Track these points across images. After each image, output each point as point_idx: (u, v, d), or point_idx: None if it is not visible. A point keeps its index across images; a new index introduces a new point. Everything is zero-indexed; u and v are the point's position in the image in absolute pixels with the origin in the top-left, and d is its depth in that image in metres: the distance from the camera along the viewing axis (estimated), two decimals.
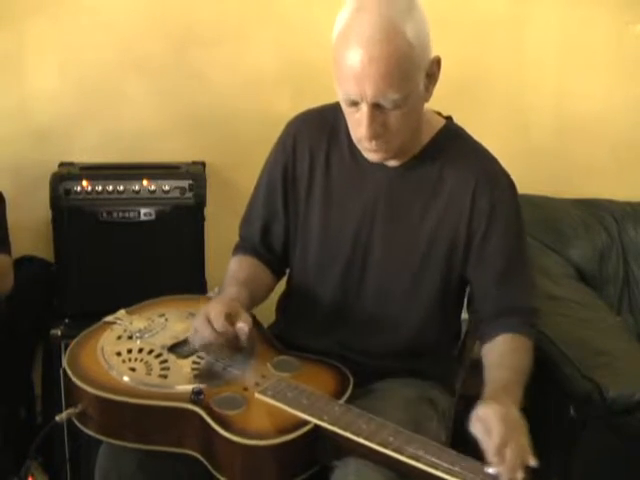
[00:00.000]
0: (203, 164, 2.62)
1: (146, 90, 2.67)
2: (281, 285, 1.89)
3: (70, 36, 2.59)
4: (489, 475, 1.29)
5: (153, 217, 2.41)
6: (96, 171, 2.46)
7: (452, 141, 1.68)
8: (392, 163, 1.66)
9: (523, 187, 2.86)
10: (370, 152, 1.60)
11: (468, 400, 1.95)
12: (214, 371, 1.55)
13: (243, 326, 1.50)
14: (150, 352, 1.62)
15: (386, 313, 1.71)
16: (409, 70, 1.47)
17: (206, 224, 2.46)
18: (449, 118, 1.73)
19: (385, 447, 1.34)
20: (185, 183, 2.42)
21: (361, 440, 1.36)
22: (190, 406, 1.45)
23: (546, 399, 2.43)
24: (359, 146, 1.61)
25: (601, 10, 2.88)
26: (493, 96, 2.88)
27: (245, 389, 1.51)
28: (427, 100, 1.59)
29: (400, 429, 1.38)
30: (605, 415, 2.16)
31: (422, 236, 1.66)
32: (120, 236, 2.40)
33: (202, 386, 1.49)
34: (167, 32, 2.64)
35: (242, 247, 1.85)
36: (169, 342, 1.65)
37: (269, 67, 2.68)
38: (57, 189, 2.36)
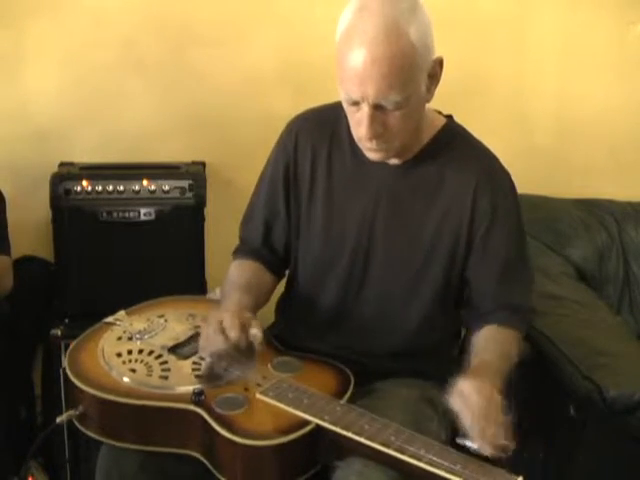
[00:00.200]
0: (203, 164, 2.62)
1: (146, 90, 2.67)
2: (280, 286, 1.89)
3: (70, 36, 2.59)
4: (468, 448, 1.33)
5: (153, 217, 2.40)
6: (96, 171, 2.46)
7: (453, 140, 1.68)
8: (393, 162, 1.65)
9: (523, 187, 2.86)
10: (371, 151, 1.60)
11: None
12: (215, 372, 1.54)
13: (257, 332, 1.50)
14: (150, 353, 1.61)
15: (387, 313, 1.71)
16: (411, 71, 1.46)
17: (206, 224, 2.46)
18: (450, 117, 1.73)
19: (387, 447, 1.34)
20: (185, 183, 2.42)
21: (363, 440, 1.36)
22: (191, 407, 1.45)
23: (546, 399, 2.44)
24: (360, 145, 1.61)
25: (602, 11, 2.88)
26: (494, 97, 2.88)
27: (246, 390, 1.51)
28: (429, 100, 1.59)
29: (402, 429, 1.38)
30: (605, 415, 2.16)
31: (424, 235, 1.66)
32: (120, 236, 2.40)
33: (203, 387, 1.49)
34: (167, 32, 2.64)
35: (242, 250, 1.84)
36: (169, 343, 1.65)
37: (269, 67, 2.68)
38: (57, 189, 2.36)
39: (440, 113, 1.73)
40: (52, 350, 2.34)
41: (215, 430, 1.40)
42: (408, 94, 1.48)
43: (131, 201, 2.40)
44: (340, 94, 1.53)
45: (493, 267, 1.66)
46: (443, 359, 1.78)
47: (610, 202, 2.93)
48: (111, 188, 2.39)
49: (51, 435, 1.62)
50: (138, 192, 2.40)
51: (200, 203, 2.42)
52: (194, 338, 1.66)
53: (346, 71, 1.47)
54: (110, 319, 1.75)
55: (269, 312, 1.89)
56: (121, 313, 1.77)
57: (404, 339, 1.71)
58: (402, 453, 1.32)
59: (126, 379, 1.52)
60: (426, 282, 1.68)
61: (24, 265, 2.44)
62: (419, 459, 1.31)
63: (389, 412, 1.50)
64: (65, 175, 2.40)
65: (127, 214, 2.40)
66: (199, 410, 1.44)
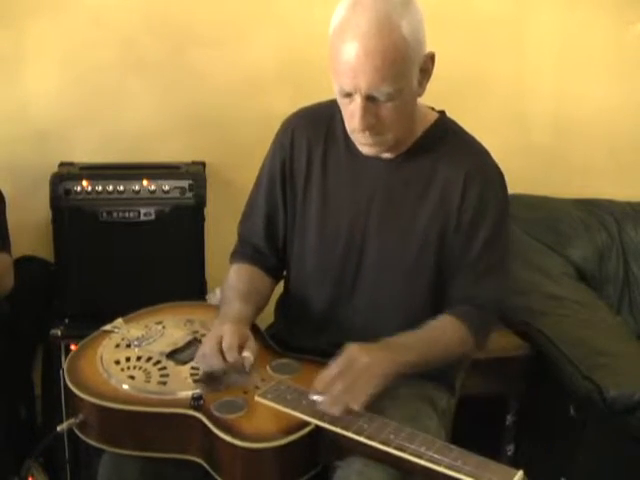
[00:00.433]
0: (203, 164, 2.62)
1: (146, 90, 2.67)
2: (280, 286, 1.89)
3: (70, 36, 2.59)
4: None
5: (153, 217, 2.40)
6: (96, 171, 2.46)
7: (445, 134, 1.70)
8: (386, 156, 1.67)
9: (523, 187, 2.90)
10: (364, 145, 1.62)
11: (469, 400, 1.96)
12: (213, 376, 1.55)
13: (249, 356, 1.52)
14: (148, 359, 1.61)
15: (382, 308, 1.71)
16: (403, 64, 1.49)
17: (206, 224, 2.46)
18: (442, 112, 1.75)
19: (387, 445, 1.34)
20: (185, 183, 2.41)
21: (362, 439, 1.36)
22: (190, 411, 1.45)
23: (546, 399, 2.44)
24: (353, 138, 1.63)
25: (600, 11, 2.89)
26: (493, 97, 2.88)
27: (245, 393, 1.51)
28: (420, 95, 1.61)
29: (401, 427, 1.38)
30: (605, 415, 2.16)
31: (417, 228, 1.67)
32: (120, 236, 2.39)
33: (201, 391, 1.49)
34: (167, 32, 2.64)
35: (241, 252, 1.85)
36: (167, 349, 1.65)
37: (269, 67, 2.68)
38: (57, 189, 2.35)
39: (433, 109, 1.74)
40: (52, 350, 2.34)
41: (214, 434, 1.40)
42: (400, 86, 1.50)
43: (131, 201, 2.39)
44: (334, 87, 1.56)
45: (468, 257, 1.67)
46: None
47: (610, 202, 2.94)
48: (111, 188, 2.38)
49: (52, 441, 1.62)
50: (138, 192, 2.40)
51: (200, 203, 2.42)
52: (192, 343, 1.66)
53: (339, 64, 1.49)
54: (108, 327, 1.75)
55: (269, 312, 1.89)
56: (119, 320, 1.77)
57: None
58: (402, 451, 1.32)
59: (125, 386, 1.52)
60: (420, 275, 1.69)
61: (24, 265, 2.44)
62: (419, 457, 1.31)
63: (388, 411, 1.50)
64: (65, 175, 2.40)
65: (127, 214, 2.39)
66: (198, 414, 1.44)
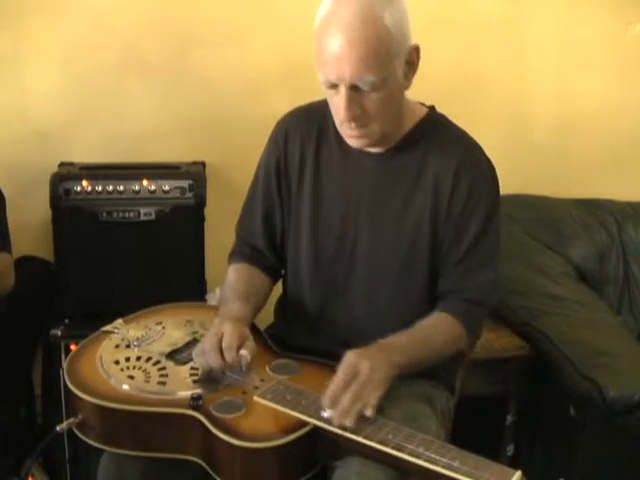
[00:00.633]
0: (203, 164, 2.62)
1: (146, 90, 2.67)
2: (280, 287, 1.89)
3: (70, 36, 2.59)
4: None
5: (153, 217, 2.40)
6: (96, 171, 2.46)
7: (435, 128, 1.70)
8: (376, 151, 1.68)
9: (523, 187, 2.90)
10: (351, 138, 1.63)
11: (469, 400, 1.96)
12: (213, 376, 1.55)
13: (246, 355, 1.53)
14: (148, 360, 1.61)
15: (378, 306, 1.71)
16: (387, 55, 1.51)
17: (206, 224, 2.46)
18: (432, 107, 1.75)
19: (385, 445, 1.34)
20: (185, 183, 2.42)
21: (360, 439, 1.36)
22: (189, 411, 1.45)
23: (546, 399, 2.44)
24: (341, 132, 1.64)
25: (600, 10, 2.89)
26: (493, 97, 2.88)
27: (244, 393, 1.51)
28: (407, 87, 1.62)
29: (399, 427, 1.38)
30: (605, 415, 2.16)
31: (408, 221, 1.68)
32: (120, 236, 2.39)
33: (201, 391, 1.49)
34: (167, 33, 2.64)
35: (239, 252, 1.85)
36: (167, 349, 1.65)
37: (269, 68, 2.69)
38: (57, 189, 2.35)
39: (423, 104, 1.75)
40: (52, 350, 2.34)
41: (213, 434, 1.40)
42: (384, 76, 1.52)
43: (131, 201, 2.39)
44: (320, 80, 1.57)
45: (459, 250, 1.67)
46: None
47: (610, 202, 2.94)
48: (111, 188, 2.38)
49: (52, 442, 1.62)
50: (138, 192, 2.40)
51: (200, 203, 2.42)
52: (192, 344, 1.66)
53: (324, 55, 1.52)
54: (108, 327, 1.75)
55: (269, 313, 1.90)
56: (119, 321, 1.77)
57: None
58: (400, 451, 1.32)
59: (125, 386, 1.52)
60: (414, 270, 1.69)
61: (24, 265, 2.44)
62: (417, 457, 1.31)
63: (388, 411, 1.50)
64: (65, 175, 2.40)
65: (127, 214, 2.40)
66: (197, 414, 1.44)
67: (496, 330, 2.48)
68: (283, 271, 1.86)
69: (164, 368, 1.59)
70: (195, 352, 1.59)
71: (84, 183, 2.37)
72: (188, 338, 1.69)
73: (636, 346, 2.44)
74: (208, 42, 2.66)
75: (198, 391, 1.49)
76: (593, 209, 2.90)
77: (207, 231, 2.46)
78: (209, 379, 1.54)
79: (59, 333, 2.32)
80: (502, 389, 2.48)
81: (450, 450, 1.32)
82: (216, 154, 2.69)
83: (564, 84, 2.94)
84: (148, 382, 1.54)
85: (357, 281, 1.72)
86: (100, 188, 2.38)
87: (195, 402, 1.45)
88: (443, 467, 1.28)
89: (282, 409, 1.44)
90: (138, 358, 1.62)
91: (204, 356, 1.55)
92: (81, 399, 1.51)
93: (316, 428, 1.40)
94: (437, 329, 1.65)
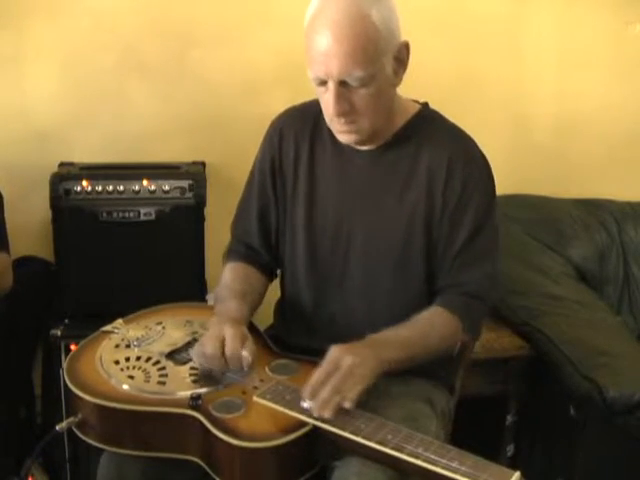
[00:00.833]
0: (203, 164, 2.62)
1: (146, 90, 2.67)
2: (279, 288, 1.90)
3: (70, 37, 2.59)
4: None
5: (153, 217, 2.40)
6: (96, 171, 2.46)
7: (427, 124, 1.71)
8: (368, 147, 1.69)
9: (523, 187, 2.90)
10: (341, 133, 1.64)
11: (469, 400, 1.96)
12: (212, 376, 1.55)
13: (247, 356, 1.53)
14: (148, 360, 1.61)
15: (375, 303, 1.72)
16: (374, 51, 1.52)
17: (206, 224, 2.46)
18: (425, 104, 1.76)
19: (384, 445, 1.33)
20: (185, 183, 2.42)
21: (360, 439, 1.36)
22: (189, 411, 1.45)
23: (546, 399, 2.44)
24: (331, 128, 1.65)
25: (599, 10, 2.89)
26: (493, 97, 2.88)
27: (244, 393, 1.51)
28: (397, 84, 1.64)
29: (399, 427, 1.38)
30: (605, 415, 2.16)
31: (402, 216, 1.68)
32: (120, 236, 2.39)
33: (200, 391, 1.49)
34: (167, 33, 2.64)
35: (235, 251, 1.85)
36: (167, 349, 1.65)
37: (269, 68, 2.69)
38: (57, 189, 2.35)
39: (416, 101, 1.75)
40: (52, 350, 2.34)
41: (213, 433, 1.40)
42: (372, 72, 1.53)
43: (131, 201, 2.39)
44: (310, 77, 1.59)
45: (455, 243, 1.67)
46: (440, 357, 1.78)
47: (610, 202, 2.94)
48: (111, 188, 2.38)
49: (52, 441, 1.62)
50: (138, 192, 2.40)
51: (200, 203, 2.42)
52: (192, 344, 1.66)
53: (313, 52, 1.54)
54: (108, 327, 1.74)
55: (268, 314, 1.90)
56: (119, 321, 1.77)
57: None
58: (399, 451, 1.32)
59: (124, 386, 1.52)
60: (409, 265, 1.69)
61: (24, 265, 2.44)
62: (416, 457, 1.31)
63: (387, 412, 1.50)
64: (65, 175, 2.40)
65: (127, 214, 2.39)
66: (197, 414, 1.44)
67: (496, 330, 2.48)
68: (280, 271, 1.86)
69: (164, 368, 1.59)
70: (194, 352, 1.59)
71: (84, 183, 2.37)
72: (188, 338, 1.69)
73: (636, 346, 2.44)
74: (208, 43, 2.67)
75: (198, 391, 1.49)
76: (593, 209, 2.90)
77: (207, 231, 2.46)
78: (209, 379, 1.54)
79: (59, 333, 2.32)
80: (502, 389, 2.48)
81: (449, 451, 1.32)
82: (216, 154, 2.69)
83: (564, 84, 2.93)
84: (148, 382, 1.54)
85: (353, 279, 1.72)
86: (100, 188, 2.38)
87: (194, 402, 1.45)
88: (442, 467, 1.28)
89: (281, 409, 1.44)
90: (138, 358, 1.62)
91: (205, 359, 1.55)
92: (81, 399, 1.51)
93: (315, 428, 1.40)
94: (433, 324, 1.65)
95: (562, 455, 2.34)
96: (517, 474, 1.27)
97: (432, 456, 1.30)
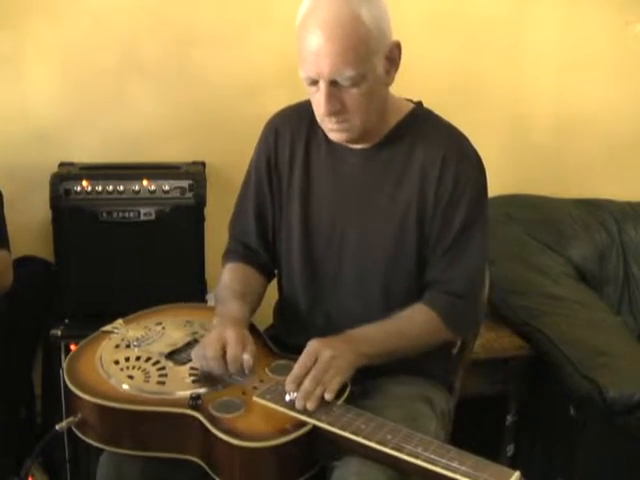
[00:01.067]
0: (203, 164, 2.62)
1: (146, 90, 2.67)
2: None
3: (70, 37, 2.59)
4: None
5: (153, 217, 2.40)
6: (96, 171, 2.46)
7: (421, 122, 1.71)
8: (361, 146, 1.69)
9: (523, 187, 2.90)
10: (333, 132, 1.64)
11: (469, 400, 1.96)
12: (212, 376, 1.55)
13: (248, 359, 1.54)
14: (148, 360, 1.62)
15: (369, 302, 1.72)
16: (365, 50, 1.53)
17: (206, 224, 2.46)
18: (419, 103, 1.76)
19: (384, 445, 1.34)
20: (185, 183, 2.42)
21: (359, 439, 1.36)
22: (189, 411, 1.45)
23: (546, 399, 2.44)
24: (323, 127, 1.66)
25: (601, 10, 2.89)
26: (493, 97, 2.88)
27: (243, 393, 1.51)
28: (389, 84, 1.64)
29: (398, 427, 1.38)
30: (605, 415, 2.16)
31: (396, 213, 1.68)
32: (120, 236, 2.39)
33: (200, 391, 1.49)
34: (167, 33, 2.64)
35: (233, 251, 1.86)
36: (166, 349, 1.65)
37: (269, 68, 2.69)
38: (57, 189, 2.35)
39: (410, 100, 1.76)
40: (52, 350, 2.34)
41: (212, 433, 1.40)
42: (363, 72, 1.54)
43: (131, 201, 2.39)
44: (301, 77, 1.59)
45: (444, 241, 1.67)
46: (440, 357, 1.78)
47: (610, 202, 2.94)
48: (111, 188, 2.38)
49: (51, 441, 1.62)
50: (138, 192, 2.40)
51: (200, 203, 2.42)
52: (191, 344, 1.66)
53: (304, 52, 1.55)
54: (108, 327, 1.75)
55: (268, 314, 1.90)
56: (119, 321, 1.77)
57: None
58: (399, 451, 1.32)
59: (124, 386, 1.52)
60: (402, 262, 1.69)
61: (24, 265, 2.44)
62: (416, 457, 1.31)
63: (387, 412, 1.50)
64: (65, 175, 2.40)
65: (127, 214, 2.39)
66: (196, 414, 1.44)
67: (496, 330, 2.49)
68: (277, 271, 1.86)
69: (163, 368, 1.59)
70: (195, 354, 1.59)
71: (84, 183, 2.37)
72: (188, 338, 1.69)
73: (636, 346, 2.44)
74: (208, 43, 2.67)
75: (197, 391, 1.49)
76: (593, 209, 2.90)
77: (207, 231, 2.46)
78: (208, 379, 1.54)
79: (59, 333, 2.32)
80: (502, 389, 2.48)
81: (449, 450, 1.32)
82: (216, 154, 2.69)
83: (564, 84, 2.93)
84: (147, 382, 1.54)
85: (347, 277, 1.73)
86: (100, 188, 2.38)
87: (194, 402, 1.46)
88: (442, 467, 1.28)
89: (281, 409, 1.45)
90: (138, 358, 1.62)
91: (207, 362, 1.55)
92: (81, 399, 1.51)
93: (315, 428, 1.41)
94: (412, 321, 1.66)
95: (562, 455, 2.34)
96: (517, 474, 1.27)
97: (432, 456, 1.30)
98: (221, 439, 1.38)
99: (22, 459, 2.17)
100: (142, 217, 2.40)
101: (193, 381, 1.54)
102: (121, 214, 2.39)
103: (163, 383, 1.54)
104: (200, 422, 1.43)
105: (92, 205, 2.38)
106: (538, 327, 2.42)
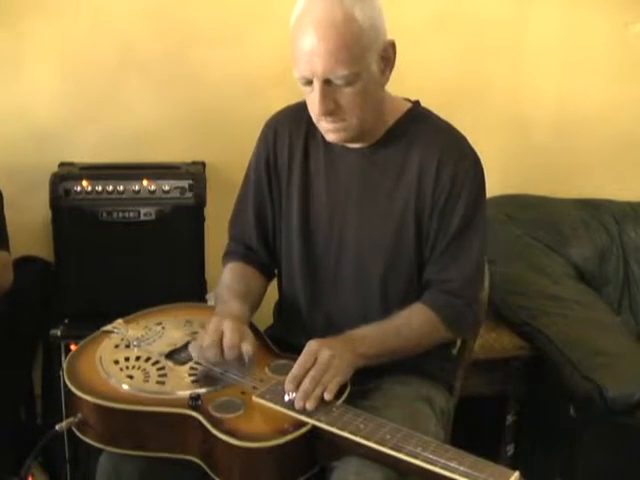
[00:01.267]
0: (203, 164, 2.62)
1: (146, 90, 2.67)
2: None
3: (70, 36, 2.59)
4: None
5: (153, 217, 2.40)
6: (96, 171, 2.46)
7: (418, 122, 1.71)
8: (359, 145, 1.70)
9: (523, 187, 2.90)
10: (329, 133, 1.65)
11: (469, 400, 1.96)
12: (212, 376, 1.55)
13: (248, 349, 1.54)
14: (147, 360, 1.62)
15: (369, 302, 1.72)
16: (359, 49, 1.53)
17: (206, 224, 2.46)
18: (417, 102, 1.76)
19: (383, 445, 1.34)
20: (185, 183, 2.42)
21: (358, 439, 1.36)
22: (188, 411, 1.45)
23: (546, 399, 2.44)
24: (319, 127, 1.66)
25: (601, 10, 2.89)
26: (493, 98, 2.88)
27: (243, 393, 1.51)
28: (384, 83, 1.64)
29: (398, 427, 1.39)
30: (605, 415, 2.16)
31: (394, 212, 1.68)
32: (120, 236, 2.40)
33: (200, 391, 1.49)
34: (167, 32, 2.64)
35: (233, 252, 1.86)
36: (166, 349, 1.65)
37: (269, 67, 2.68)
38: (57, 189, 2.36)
39: (408, 100, 1.76)
40: (52, 350, 2.34)
41: (212, 433, 1.40)
42: (356, 70, 1.54)
43: (131, 201, 2.40)
44: (295, 77, 1.60)
45: (442, 240, 1.68)
46: (440, 357, 1.78)
47: (610, 202, 2.94)
48: (111, 188, 2.39)
49: (51, 441, 1.62)
50: (138, 192, 2.40)
51: (200, 203, 2.43)
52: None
53: (298, 52, 1.56)
54: (108, 327, 1.75)
55: (268, 315, 1.90)
56: (119, 321, 1.77)
57: None
58: (398, 451, 1.32)
59: (124, 386, 1.52)
60: (401, 261, 1.70)
61: (24, 265, 2.44)
62: (415, 457, 1.31)
63: (387, 412, 1.51)
64: (65, 175, 2.40)
65: (127, 214, 2.40)
66: (196, 414, 1.44)
67: (496, 330, 2.48)
68: (277, 271, 1.86)
69: (163, 368, 1.59)
70: (192, 346, 1.60)
71: (84, 183, 2.37)
72: (188, 338, 1.69)
73: (636, 346, 2.43)
74: (208, 41, 2.67)
75: (197, 391, 1.49)
76: (593, 209, 2.89)
77: (207, 231, 2.47)
78: (208, 379, 1.54)
79: (59, 333, 2.32)
80: (502, 389, 2.48)
81: (448, 450, 1.32)
82: (216, 154, 2.69)
83: (564, 85, 2.93)
84: (147, 382, 1.54)
85: (346, 277, 1.73)
86: (100, 188, 2.38)
87: (194, 402, 1.46)
88: (441, 467, 1.28)
89: (281, 409, 1.45)
90: (137, 358, 1.62)
91: (202, 351, 1.55)
92: (80, 399, 1.51)
93: (314, 428, 1.41)
94: (410, 321, 1.66)
95: (562, 455, 2.34)
96: (516, 474, 1.27)
97: (431, 456, 1.30)
98: (221, 439, 1.38)
99: (22, 459, 2.17)
100: (142, 217, 2.40)
101: (193, 381, 1.54)
102: (121, 214, 2.39)
103: (163, 383, 1.54)
104: (200, 422, 1.43)
105: (92, 205, 2.38)
106: (538, 327, 2.42)
